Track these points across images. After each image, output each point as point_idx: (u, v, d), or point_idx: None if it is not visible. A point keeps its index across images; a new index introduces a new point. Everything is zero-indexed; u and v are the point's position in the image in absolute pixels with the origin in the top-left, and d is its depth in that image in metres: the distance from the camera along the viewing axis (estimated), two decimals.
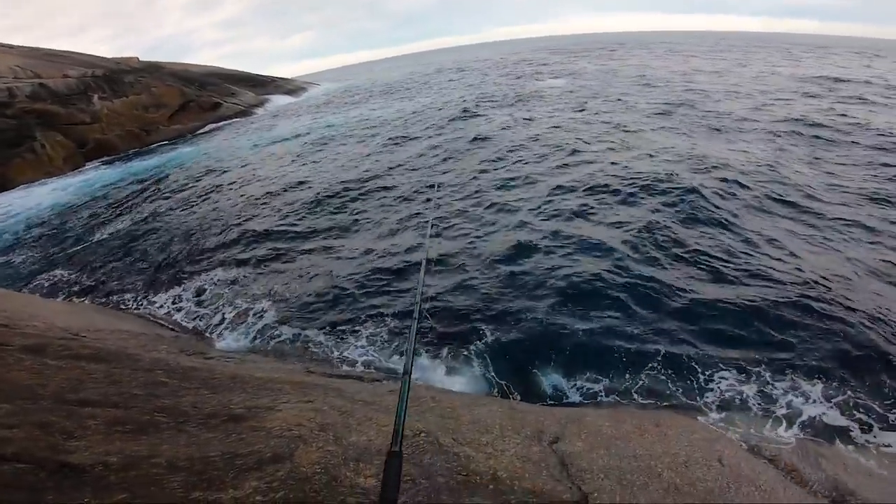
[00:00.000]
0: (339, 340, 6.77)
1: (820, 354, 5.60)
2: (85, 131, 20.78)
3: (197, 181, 16.55)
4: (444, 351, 6.21)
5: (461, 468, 2.63)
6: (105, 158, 20.77)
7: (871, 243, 8.04)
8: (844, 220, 8.82)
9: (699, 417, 4.09)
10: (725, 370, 5.43)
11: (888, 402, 4.77)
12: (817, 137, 14.09)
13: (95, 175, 18.59)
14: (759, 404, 4.87)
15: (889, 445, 4.36)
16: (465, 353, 6.15)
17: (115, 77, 24.25)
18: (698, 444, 3.18)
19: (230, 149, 20.64)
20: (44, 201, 16.16)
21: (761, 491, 2.76)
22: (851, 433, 4.42)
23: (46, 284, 10.12)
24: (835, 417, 4.66)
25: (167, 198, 15.34)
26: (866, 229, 8.54)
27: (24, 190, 17.37)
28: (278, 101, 38.54)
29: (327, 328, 7.10)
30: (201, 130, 26.33)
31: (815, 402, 4.88)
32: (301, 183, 14.94)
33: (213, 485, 2.15)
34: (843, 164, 11.72)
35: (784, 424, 4.52)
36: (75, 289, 9.69)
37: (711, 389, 5.15)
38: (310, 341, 6.85)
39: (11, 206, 16.07)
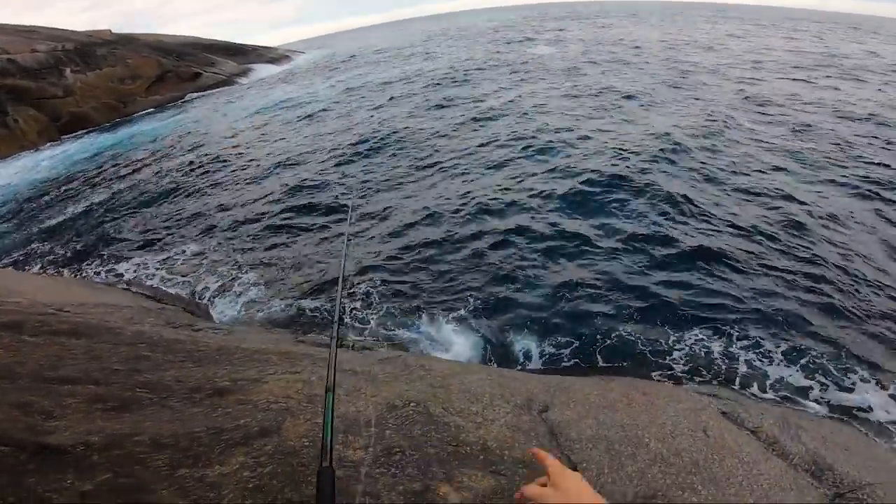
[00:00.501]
0: (329, 307, 6.75)
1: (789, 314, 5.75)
2: (58, 105, 20.23)
3: (177, 151, 16.08)
4: (432, 318, 6.24)
5: (451, 438, 2.65)
6: (81, 131, 20.25)
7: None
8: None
9: (684, 385, 4.18)
10: (702, 333, 5.55)
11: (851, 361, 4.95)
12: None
13: (72, 147, 18.13)
14: (733, 369, 5.01)
15: (861, 409, 4.53)
16: (454, 319, 6.18)
17: (88, 50, 23.33)
18: (684, 413, 3.24)
19: (211, 118, 20.06)
20: (19, 175, 15.66)
21: (744, 463, 2.83)
22: (821, 396, 4.59)
23: (27, 259, 9.87)
24: (801, 380, 4.83)
25: (147, 168, 14.88)
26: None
27: None
28: (261, 70, 37.10)
29: (317, 296, 7.06)
30: (182, 101, 25.52)
31: (782, 364, 5.03)
32: (286, 151, 14.58)
33: (199, 461, 2.12)
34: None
35: (758, 389, 4.67)
36: (57, 262, 9.46)
37: (690, 354, 5.27)
38: (300, 309, 6.81)
39: None
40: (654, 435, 2.91)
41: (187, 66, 28.60)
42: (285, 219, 9.89)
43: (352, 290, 7.06)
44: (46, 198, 13.66)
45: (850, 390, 4.70)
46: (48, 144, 18.68)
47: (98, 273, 8.67)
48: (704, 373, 4.88)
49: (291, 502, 1.96)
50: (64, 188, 14.19)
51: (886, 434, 4.19)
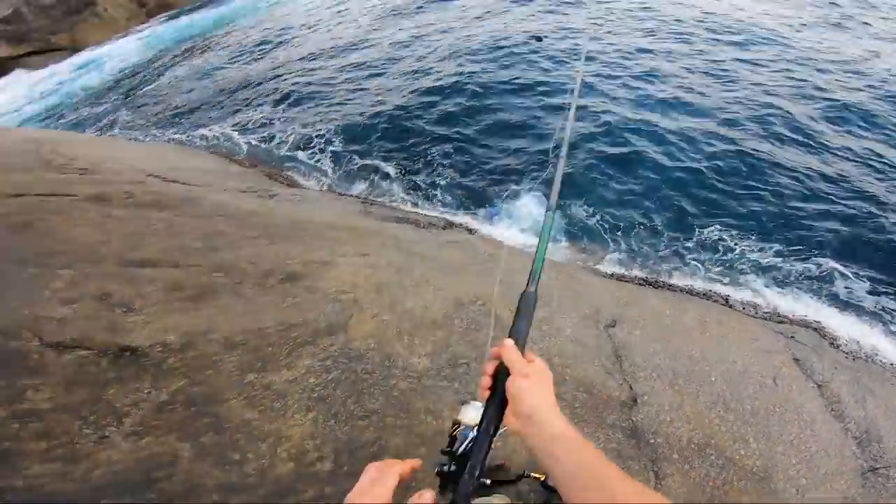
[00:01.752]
0: (402, 174, 6.57)
1: None
2: None
3: (260, 30, 15.31)
4: (507, 198, 5.86)
5: None
6: (166, 14, 20.43)
7: None
8: None
9: (762, 318, 3.67)
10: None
11: None
12: None
13: (160, 29, 18.42)
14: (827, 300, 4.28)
15: None
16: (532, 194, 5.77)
17: None
18: (758, 355, 2.86)
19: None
20: (114, 57, 16.13)
21: (801, 420, 2.51)
22: None
23: (122, 128, 10.44)
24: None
25: (231, 46, 14.44)
26: None
27: (94, 50, 17.52)
28: None
29: (393, 160, 6.86)
30: None
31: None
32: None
33: (267, 364, 2.16)
34: None
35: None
36: (149, 130, 9.91)
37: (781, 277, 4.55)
38: (372, 171, 6.70)
39: (87, 62, 16.25)
40: (721, 374, 2.63)
41: None
42: (379, 82, 9.29)
43: (422, 158, 6.74)
44: (140, 74, 13.97)
45: None
46: (137, 28, 19.61)
47: (189, 138, 8.99)
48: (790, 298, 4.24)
49: (353, 416, 1.97)
50: (154, 65, 14.39)
51: None
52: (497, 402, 0.79)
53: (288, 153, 7.55)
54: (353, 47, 11.55)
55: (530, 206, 5.54)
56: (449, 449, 0.86)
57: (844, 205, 5.38)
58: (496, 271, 3.49)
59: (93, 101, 12.92)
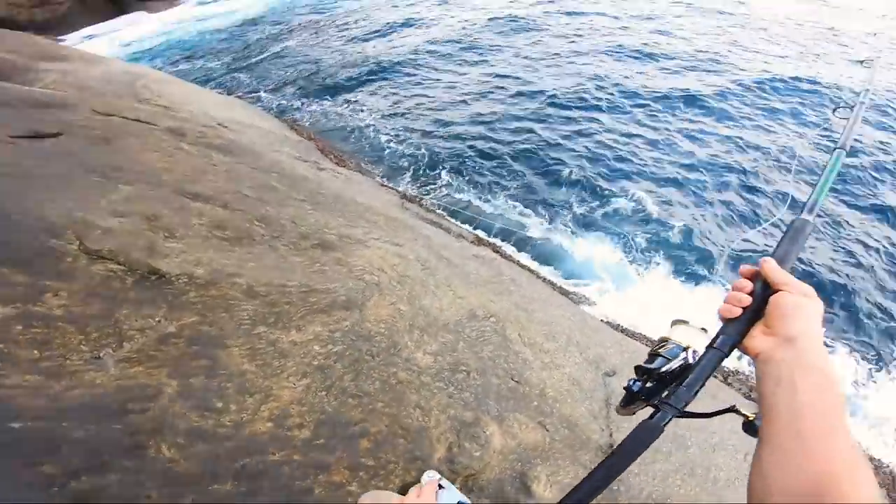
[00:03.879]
0: (449, 183, 6.63)
1: None
2: None
3: (364, 6, 15.89)
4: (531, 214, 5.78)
5: (516, 373, 2.48)
6: None
7: None
8: None
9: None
10: None
11: None
12: None
13: None
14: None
15: None
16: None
17: None
18: (738, 431, 2.73)
19: None
20: (220, 13, 17.12)
21: None
22: None
23: (208, 78, 11.10)
24: None
25: (329, 21, 14.95)
26: None
27: (211, 3, 18.47)
28: None
29: (444, 168, 6.94)
30: None
31: None
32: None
33: (279, 321, 2.22)
34: None
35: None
36: (230, 86, 10.55)
37: None
38: (420, 171, 6.80)
39: (196, 14, 17.30)
40: (698, 442, 2.58)
41: None
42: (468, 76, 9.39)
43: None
44: (247, 33, 14.76)
45: None
46: None
47: (261, 100, 9.45)
48: None
49: (345, 392, 1.99)
50: (263, 27, 15.22)
51: None
52: (745, 318, 0.74)
53: (344, 135, 7.80)
54: (460, 49, 11.58)
55: (559, 241, 5.49)
56: (649, 366, 0.81)
57: None
58: (514, 295, 3.47)
59: (192, 51, 13.81)
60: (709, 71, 9.53)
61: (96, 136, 3.18)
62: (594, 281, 5.01)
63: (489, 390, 2.30)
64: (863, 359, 4.50)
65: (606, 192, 6.31)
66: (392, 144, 7.47)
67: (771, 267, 0.75)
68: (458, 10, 14.67)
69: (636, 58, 10.23)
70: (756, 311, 0.73)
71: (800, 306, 0.70)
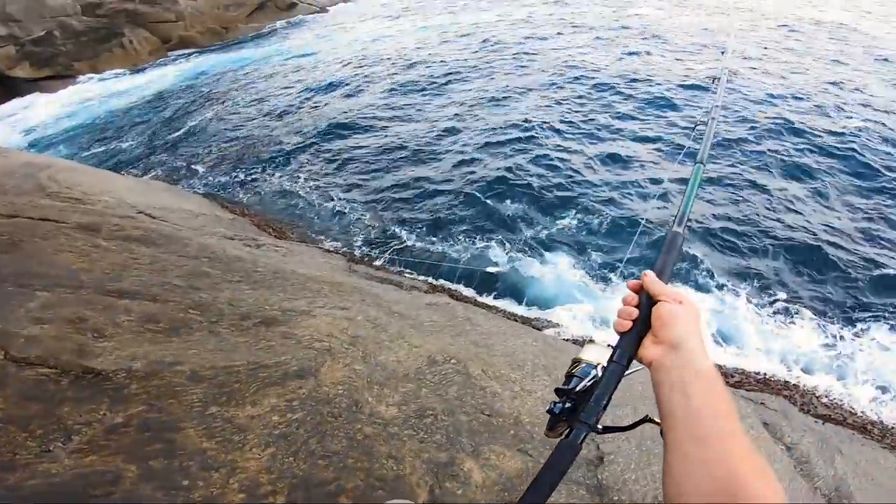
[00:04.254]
0: (400, 230, 6.74)
1: None
2: (170, 28, 22.35)
3: (277, 74, 16.20)
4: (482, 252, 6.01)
5: (486, 406, 2.52)
6: (186, 52, 21.78)
7: None
8: None
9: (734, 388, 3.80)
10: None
11: None
12: None
13: (180, 67, 19.38)
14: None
15: None
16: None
17: None
18: None
19: (302, 47, 19.94)
20: (132, 89, 16.73)
21: None
22: None
23: (124, 162, 10.62)
24: None
25: (238, 91, 15.08)
26: None
27: (112, 80, 18.16)
28: (356, 5, 34.62)
29: (393, 215, 7.07)
30: (277, 28, 25.99)
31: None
32: (376, 74, 14.24)
33: (232, 399, 2.14)
34: None
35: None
36: (148, 168, 10.10)
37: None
38: (362, 233, 6.86)
39: (97, 92, 16.79)
40: None
41: None
42: (387, 143, 9.68)
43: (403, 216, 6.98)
44: (151, 110, 14.35)
45: None
46: (158, 62, 20.68)
47: (184, 179, 9.16)
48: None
49: (313, 454, 1.93)
50: (167, 103, 14.80)
51: None
52: (636, 330, 0.78)
53: (282, 205, 7.73)
54: (371, 109, 12.01)
55: (514, 272, 5.71)
56: (566, 387, 0.83)
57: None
58: (471, 334, 3.55)
59: (100, 133, 13.14)
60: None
61: (2, 241, 2.99)
62: (556, 303, 5.19)
63: (460, 428, 2.31)
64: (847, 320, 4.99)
65: (549, 216, 6.73)
66: (333, 208, 7.47)
67: (649, 279, 0.80)
68: (380, 67, 15.31)
69: (555, 99, 11.12)
70: (644, 322, 0.78)
71: (675, 314, 0.75)
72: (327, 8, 30.79)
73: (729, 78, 1.57)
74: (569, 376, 0.84)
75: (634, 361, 0.79)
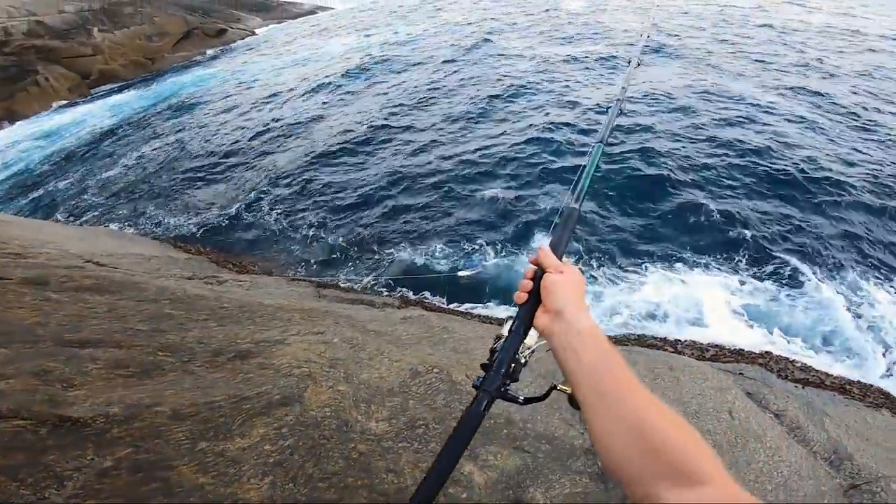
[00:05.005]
0: (367, 249, 6.72)
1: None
2: (88, 63, 21.16)
3: (208, 107, 15.78)
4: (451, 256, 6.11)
5: None
6: (111, 86, 20.67)
7: None
8: None
9: (708, 361, 4.02)
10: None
11: None
12: None
13: (101, 104, 18.44)
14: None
15: None
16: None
17: (114, 9, 23.48)
18: (710, 393, 3.10)
19: (236, 74, 19.62)
20: (54, 131, 15.75)
21: (766, 448, 2.71)
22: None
23: (60, 209, 10.00)
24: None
25: (175, 122, 14.60)
26: None
27: (31, 122, 17.14)
28: (287, 26, 34.87)
29: (348, 243, 7.02)
30: (206, 57, 25.35)
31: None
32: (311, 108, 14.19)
33: (219, 433, 2.09)
34: None
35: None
36: (88, 213, 9.55)
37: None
38: (325, 255, 6.79)
39: (20, 136, 15.71)
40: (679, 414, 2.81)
41: (213, 23, 28.18)
42: (331, 164, 9.63)
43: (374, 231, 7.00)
44: (79, 152, 13.58)
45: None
46: (79, 100, 19.40)
47: (129, 223, 8.75)
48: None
49: (312, 478, 1.91)
50: (96, 142, 14.07)
51: None
52: (530, 301, 0.82)
53: (241, 240, 7.54)
54: (298, 126, 11.95)
55: (487, 274, 5.83)
56: (488, 362, 0.85)
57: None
58: (449, 342, 3.60)
59: (27, 180, 12.31)
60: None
61: None
62: None
63: None
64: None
65: (515, 213, 6.92)
66: (295, 236, 7.36)
67: (542, 253, 0.85)
68: (317, 87, 15.27)
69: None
70: (537, 294, 0.83)
71: (556, 283, 0.79)
72: (256, 31, 30.70)
73: (640, 62, 1.73)
74: (492, 351, 0.87)
75: (539, 335, 0.84)
